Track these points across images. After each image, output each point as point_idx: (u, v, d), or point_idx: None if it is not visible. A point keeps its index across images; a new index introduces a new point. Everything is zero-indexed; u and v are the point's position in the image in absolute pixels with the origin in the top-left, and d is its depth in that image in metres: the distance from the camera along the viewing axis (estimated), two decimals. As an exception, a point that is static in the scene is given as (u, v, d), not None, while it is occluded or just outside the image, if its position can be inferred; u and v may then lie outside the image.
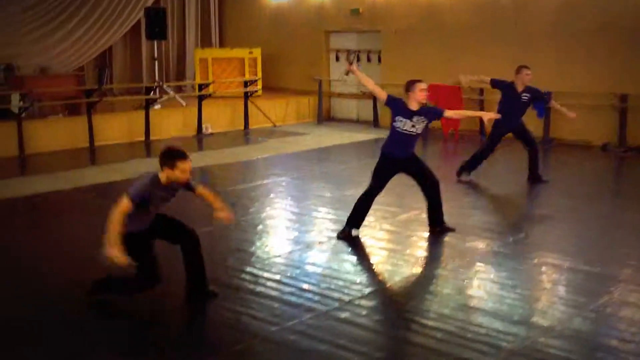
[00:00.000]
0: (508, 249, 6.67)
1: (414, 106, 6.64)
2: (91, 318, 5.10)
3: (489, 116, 7.13)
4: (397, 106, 6.70)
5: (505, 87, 9.19)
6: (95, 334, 4.82)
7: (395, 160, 6.85)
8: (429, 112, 6.75)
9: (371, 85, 6.91)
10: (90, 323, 5.00)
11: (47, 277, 5.91)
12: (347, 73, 6.91)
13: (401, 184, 9.34)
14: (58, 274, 5.98)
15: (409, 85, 6.67)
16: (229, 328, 4.85)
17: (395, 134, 6.75)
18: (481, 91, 13.79)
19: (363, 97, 15.87)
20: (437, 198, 6.97)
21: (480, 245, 6.78)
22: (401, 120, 6.65)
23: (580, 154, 12.12)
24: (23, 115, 11.63)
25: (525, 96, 9.13)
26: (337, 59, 16.47)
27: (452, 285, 5.71)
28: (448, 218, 7.28)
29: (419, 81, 6.70)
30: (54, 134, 12.23)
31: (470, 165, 9.46)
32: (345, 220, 6.95)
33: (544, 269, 6.18)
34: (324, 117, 16.28)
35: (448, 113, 6.83)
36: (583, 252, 6.58)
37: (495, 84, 9.28)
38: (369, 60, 15.95)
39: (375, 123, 15.44)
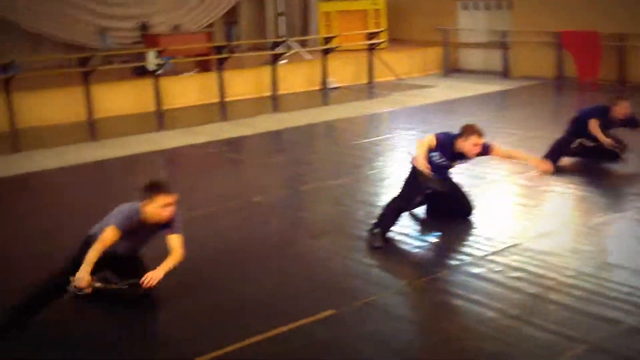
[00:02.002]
0: (654, 204, 6.25)
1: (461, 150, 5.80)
2: (225, 265, 5.30)
3: (540, 168, 5.95)
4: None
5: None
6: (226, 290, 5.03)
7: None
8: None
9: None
10: (223, 270, 5.21)
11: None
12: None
13: (531, 138, 8.99)
14: (198, 224, 6.26)
15: (464, 132, 5.78)
16: (360, 279, 4.89)
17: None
18: (621, 37, 12.85)
19: (491, 47, 15.25)
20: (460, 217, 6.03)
21: (625, 200, 6.39)
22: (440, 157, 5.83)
23: None
24: (159, 72, 12.16)
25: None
26: (466, 7, 15.90)
27: (593, 242, 5.44)
28: (584, 170, 6.80)
29: (477, 133, 5.74)
30: (187, 90, 12.73)
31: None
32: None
33: (695, 226, 5.75)
34: (451, 68, 15.85)
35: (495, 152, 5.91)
36: None
37: None
38: (499, 7, 15.26)
39: (505, 74, 14.84)
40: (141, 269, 4.46)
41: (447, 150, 5.81)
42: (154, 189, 4.39)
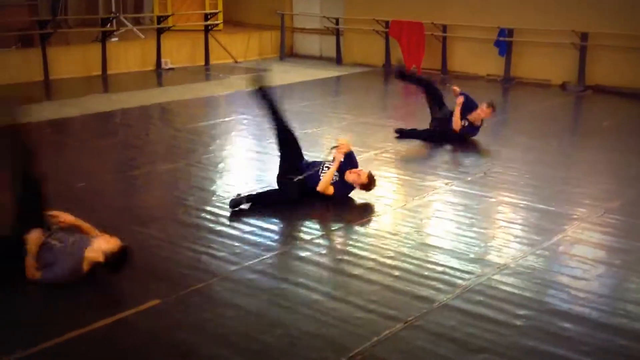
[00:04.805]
0: (466, 187, 6.75)
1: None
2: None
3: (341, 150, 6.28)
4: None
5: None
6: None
7: None
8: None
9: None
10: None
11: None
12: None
13: (360, 123, 9.38)
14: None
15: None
16: (188, 267, 4.85)
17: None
18: (444, 28, 13.69)
19: (326, 33, 15.62)
20: None
21: (439, 183, 6.86)
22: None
23: (540, 92, 12.23)
24: (-27, 47, 11.20)
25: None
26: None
27: (411, 223, 5.79)
28: (408, 156, 7.20)
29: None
30: (6, 66, 11.79)
31: (407, 135, 8.55)
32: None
33: (500, 207, 6.29)
34: (287, 53, 16.03)
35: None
36: (539, 191, 6.71)
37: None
38: (333, -6, 15.65)
39: (339, 60, 15.27)
40: None
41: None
42: None
